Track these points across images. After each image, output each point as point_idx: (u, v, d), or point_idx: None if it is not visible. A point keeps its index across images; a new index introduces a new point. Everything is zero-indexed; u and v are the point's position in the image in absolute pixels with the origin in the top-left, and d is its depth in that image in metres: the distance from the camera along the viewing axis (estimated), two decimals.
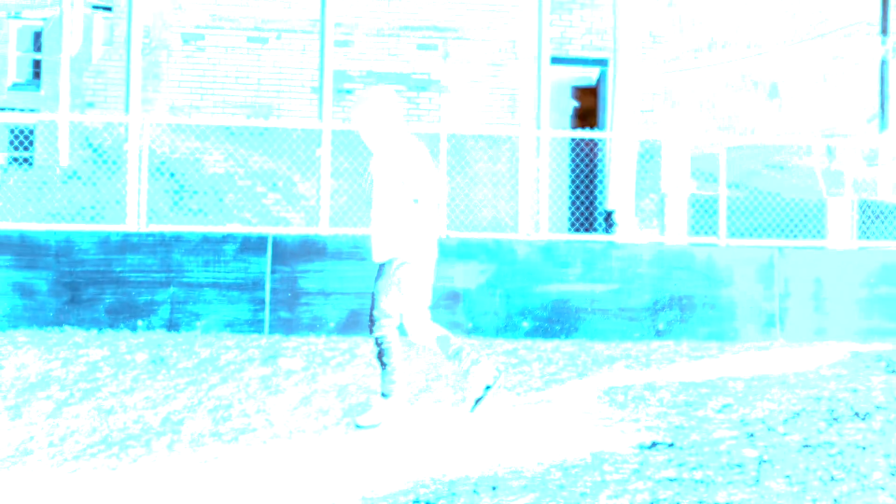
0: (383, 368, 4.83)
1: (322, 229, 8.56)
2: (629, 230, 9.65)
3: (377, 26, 11.17)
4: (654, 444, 4.47)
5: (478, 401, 4.86)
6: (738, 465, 4.11)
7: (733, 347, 7.65)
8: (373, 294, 4.83)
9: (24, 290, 7.87)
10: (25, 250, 7.94)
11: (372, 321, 4.80)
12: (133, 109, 9.19)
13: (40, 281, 7.89)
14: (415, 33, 11.23)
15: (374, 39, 11.14)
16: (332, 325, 7.96)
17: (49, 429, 4.78)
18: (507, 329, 8.10)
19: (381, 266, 4.81)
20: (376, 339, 4.80)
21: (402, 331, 4.91)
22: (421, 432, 4.78)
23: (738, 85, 18.65)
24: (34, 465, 4.18)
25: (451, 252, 8.15)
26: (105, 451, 4.40)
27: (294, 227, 9.27)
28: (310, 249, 8.08)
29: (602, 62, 11.67)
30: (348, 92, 10.97)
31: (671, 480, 3.91)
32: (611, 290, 8.25)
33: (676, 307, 8.25)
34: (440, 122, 11.15)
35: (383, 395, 4.86)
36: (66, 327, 7.77)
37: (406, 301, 4.81)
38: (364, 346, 7.21)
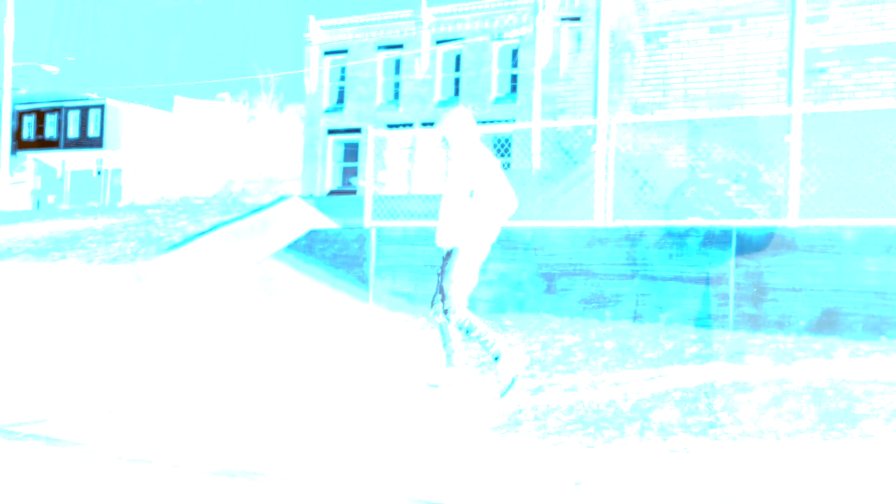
0: (478, 340, 5.44)
1: (790, 221, 8.03)
2: None
3: None
4: None
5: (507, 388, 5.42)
6: None
7: None
8: (441, 286, 5.54)
9: (509, 280, 8.91)
10: (509, 245, 8.99)
11: (446, 311, 5.49)
12: (600, 112, 9.73)
13: (521, 272, 8.86)
14: None
15: (852, 10, 10.05)
16: (802, 323, 7.44)
17: (533, 404, 5.36)
18: None
19: (445, 255, 5.59)
20: (457, 325, 5.47)
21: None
22: None
23: None
24: (523, 435, 4.73)
25: None
26: (582, 430, 4.78)
27: (759, 220, 8.87)
28: (777, 242, 7.65)
29: None
30: (821, 71, 10.08)
31: None
32: None
33: None
34: None
35: (495, 358, 5.44)
36: (542, 314, 8.58)
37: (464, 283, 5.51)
38: (842, 349, 6.59)
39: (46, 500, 3.44)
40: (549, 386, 5.82)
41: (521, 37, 32.50)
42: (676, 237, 8.08)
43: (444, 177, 5.87)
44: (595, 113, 9.77)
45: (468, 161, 5.63)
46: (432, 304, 5.66)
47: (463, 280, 5.55)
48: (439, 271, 5.66)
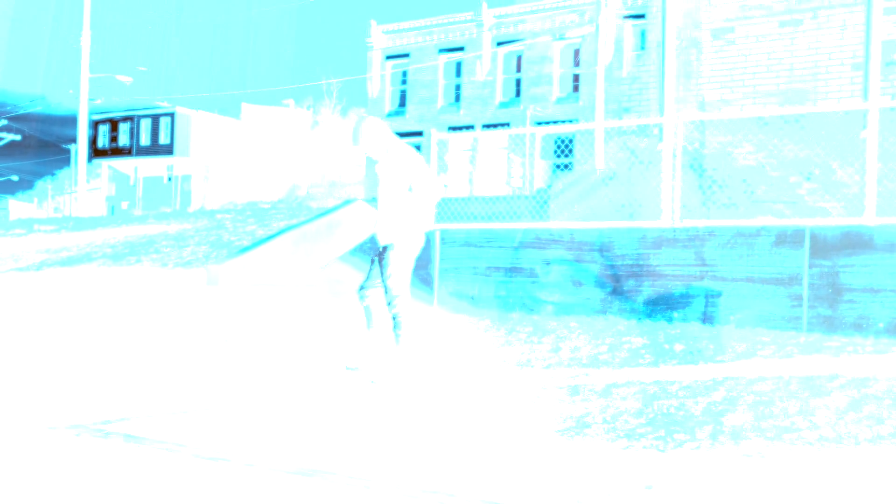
0: (400, 330, 5.92)
1: (867, 219, 7.77)
2: None
3: None
4: None
5: (385, 377, 5.93)
6: None
7: None
8: (385, 281, 5.90)
9: (574, 281, 8.85)
10: (574, 246, 8.93)
11: (391, 303, 5.89)
12: (666, 110, 9.58)
13: (586, 273, 8.79)
14: None
15: None
16: (881, 325, 7.18)
17: (602, 407, 5.31)
18: None
19: (381, 251, 5.95)
20: (397, 314, 5.90)
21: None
22: None
23: None
24: (592, 438, 4.70)
25: None
26: (652, 433, 4.72)
27: (833, 218, 8.60)
28: (854, 241, 7.42)
29: None
30: None
31: None
32: None
33: None
34: None
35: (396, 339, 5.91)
36: (609, 315, 8.50)
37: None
38: None
39: (131, 497, 3.57)
40: (616, 388, 5.77)
41: (583, 36, 32.21)
42: (747, 237, 7.90)
43: (379, 179, 6.18)
44: (661, 111, 9.62)
45: (397, 159, 6.04)
46: (362, 289, 6.08)
47: (406, 272, 5.96)
48: (374, 263, 6.08)
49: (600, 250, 8.73)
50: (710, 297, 8.01)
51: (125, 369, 6.64)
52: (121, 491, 3.63)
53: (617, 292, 8.55)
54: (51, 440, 4.49)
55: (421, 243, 6.10)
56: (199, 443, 4.45)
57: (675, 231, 8.35)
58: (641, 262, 8.44)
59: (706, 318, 7.96)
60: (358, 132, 6.11)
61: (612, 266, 8.63)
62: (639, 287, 8.42)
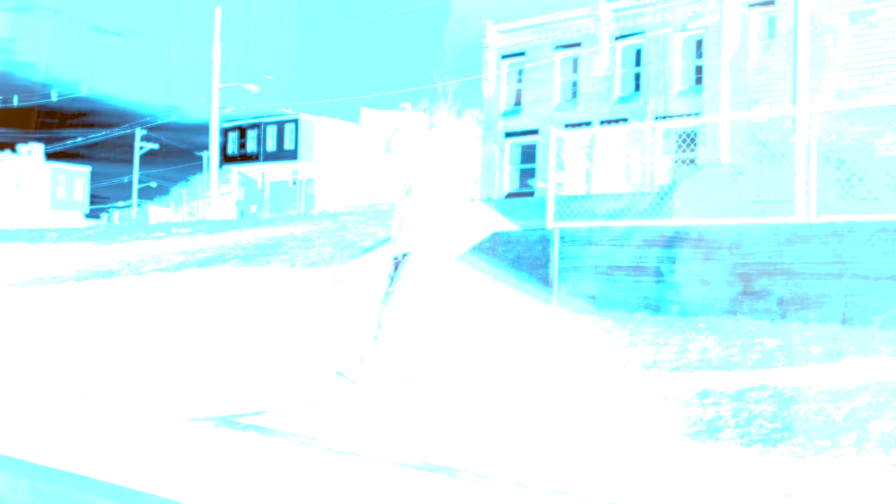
0: (375, 341, 5.78)
1: None
2: None
3: None
4: None
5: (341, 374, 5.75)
6: None
7: None
8: (391, 280, 5.80)
9: (702, 281, 8.55)
10: (702, 244, 8.63)
11: (385, 304, 5.74)
12: (799, 100, 9.10)
13: (715, 272, 8.47)
14: None
15: None
16: None
17: (734, 410, 5.11)
18: None
19: (403, 258, 5.81)
20: (381, 319, 5.76)
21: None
22: None
23: None
24: (725, 443, 4.53)
25: None
26: (789, 439, 4.50)
27: None
28: None
29: None
30: None
31: None
32: None
33: None
34: None
35: (360, 359, 5.79)
36: (740, 316, 8.16)
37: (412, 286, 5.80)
38: None
39: (272, 488, 3.73)
40: (749, 391, 5.53)
41: (705, 27, 31.11)
42: (892, 232, 7.40)
43: (410, 188, 6.14)
44: (794, 101, 9.14)
45: (426, 169, 6.09)
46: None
47: (415, 284, 5.81)
48: (392, 274, 5.91)
49: (729, 248, 8.39)
50: (850, 296, 7.55)
51: (259, 364, 6.95)
52: (261, 482, 3.80)
53: (748, 292, 8.21)
54: (192, 432, 4.76)
55: (438, 257, 6.06)
56: (330, 436, 4.60)
57: (810, 227, 7.92)
58: (774, 260, 8.06)
59: (846, 319, 7.50)
60: (389, 142, 6.23)
61: (742, 264, 8.28)
62: (771, 286, 8.05)
